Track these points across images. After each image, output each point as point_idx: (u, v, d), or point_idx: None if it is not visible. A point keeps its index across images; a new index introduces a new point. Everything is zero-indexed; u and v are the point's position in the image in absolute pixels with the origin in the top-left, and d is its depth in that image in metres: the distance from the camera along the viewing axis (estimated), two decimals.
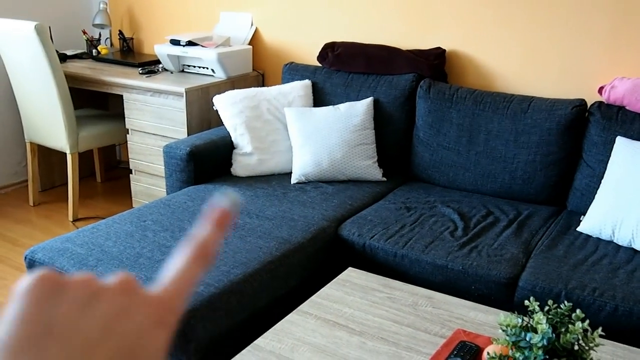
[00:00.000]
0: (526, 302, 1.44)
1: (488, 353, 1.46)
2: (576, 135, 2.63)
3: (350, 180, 2.85)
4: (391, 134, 2.97)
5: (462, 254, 2.21)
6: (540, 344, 1.33)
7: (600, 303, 1.94)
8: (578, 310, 1.39)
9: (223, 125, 2.94)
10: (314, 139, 2.80)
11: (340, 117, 2.84)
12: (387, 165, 3.00)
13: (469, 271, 2.14)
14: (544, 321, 1.35)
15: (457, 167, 2.82)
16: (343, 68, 3.11)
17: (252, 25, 3.52)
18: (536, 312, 1.39)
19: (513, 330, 1.40)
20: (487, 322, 1.75)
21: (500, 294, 2.10)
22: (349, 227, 2.42)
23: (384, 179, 2.91)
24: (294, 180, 2.79)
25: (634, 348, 1.66)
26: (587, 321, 1.37)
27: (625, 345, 1.67)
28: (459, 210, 2.56)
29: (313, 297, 1.84)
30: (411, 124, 2.97)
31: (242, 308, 1.96)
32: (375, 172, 2.87)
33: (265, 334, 1.67)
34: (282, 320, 1.72)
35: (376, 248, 2.30)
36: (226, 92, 2.94)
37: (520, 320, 1.40)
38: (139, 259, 1.97)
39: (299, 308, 1.79)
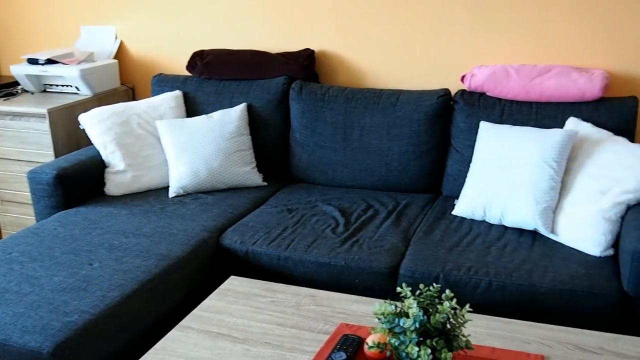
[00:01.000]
0: (398, 289, 1.51)
1: (367, 343, 1.52)
2: (444, 123, 2.77)
3: (230, 188, 2.86)
4: (268, 138, 3.01)
5: (344, 249, 2.28)
6: (412, 328, 1.41)
7: (476, 280, 2.06)
8: (447, 290, 1.47)
9: (92, 144, 2.87)
10: (189, 149, 2.78)
11: (214, 125, 2.84)
12: (267, 170, 3.03)
13: (352, 265, 2.21)
14: (415, 305, 1.42)
15: (335, 164, 2.90)
16: (213, 76, 3.11)
17: (116, 38, 3.44)
18: (407, 298, 1.46)
19: (387, 317, 1.46)
20: (369, 313, 1.81)
21: (383, 284, 2.18)
22: (230, 235, 2.43)
23: (265, 183, 2.94)
24: (171, 194, 2.76)
25: (507, 319, 1.78)
26: (455, 300, 1.45)
27: (498, 318, 1.78)
28: (340, 207, 2.63)
29: (194, 311, 1.84)
30: (287, 127, 3.02)
31: (123, 332, 1.92)
32: (255, 178, 2.89)
33: (145, 355, 1.65)
34: (162, 339, 1.71)
35: (259, 253, 2.33)
36: (92, 110, 2.86)
37: (393, 307, 1.47)
38: (4, 294, 1.89)
39: (180, 324, 1.78)
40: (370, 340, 1.56)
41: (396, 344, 1.43)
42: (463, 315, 1.45)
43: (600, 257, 2.13)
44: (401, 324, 1.43)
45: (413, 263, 2.16)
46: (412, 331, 1.41)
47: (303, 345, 1.67)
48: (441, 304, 1.45)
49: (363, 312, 1.82)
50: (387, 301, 1.50)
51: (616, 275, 2.03)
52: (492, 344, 1.66)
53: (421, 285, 1.51)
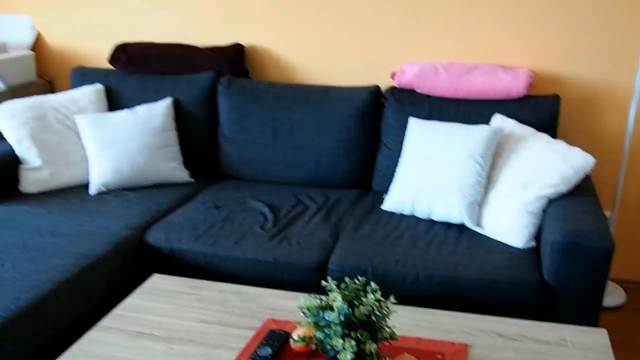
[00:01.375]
0: (323, 282, 1.50)
1: (292, 337, 1.51)
2: (374, 119, 2.80)
3: (155, 185, 2.80)
4: (195, 133, 2.96)
5: (272, 245, 2.26)
6: (337, 320, 1.40)
7: (404, 274, 2.08)
8: (372, 283, 1.48)
9: (5, 140, 2.75)
10: (112, 145, 2.71)
11: (138, 120, 2.77)
12: (195, 166, 2.99)
13: (280, 261, 2.19)
14: (339, 298, 1.42)
15: (264, 160, 2.88)
16: (138, 69, 3.04)
17: (32, 28, 3.32)
18: (332, 291, 1.46)
19: (312, 311, 1.46)
20: (296, 308, 1.80)
21: (312, 279, 2.18)
22: (155, 232, 2.37)
23: (192, 180, 2.89)
24: (92, 191, 2.68)
25: (432, 310, 1.80)
26: (379, 292, 1.46)
27: (423, 309, 1.80)
28: (269, 203, 2.61)
29: (115, 310, 1.78)
30: (215, 122, 2.98)
31: (39, 335, 1.84)
32: (181, 174, 2.84)
33: (60, 357, 1.59)
34: (80, 340, 1.65)
35: (184, 251, 2.29)
36: (4, 103, 2.74)
37: (318, 301, 1.47)
38: None
39: (99, 324, 1.72)
40: (295, 334, 1.55)
41: (321, 337, 1.43)
42: (388, 307, 1.46)
43: (523, 248, 2.19)
44: (326, 317, 1.43)
45: (342, 257, 2.16)
46: (336, 324, 1.41)
47: (228, 341, 1.64)
48: (366, 296, 1.45)
49: (290, 307, 1.81)
50: (312, 295, 1.50)
51: (537, 266, 2.09)
52: (418, 334, 1.68)
53: (347, 279, 1.51)
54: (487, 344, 1.63)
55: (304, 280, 2.19)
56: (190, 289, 1.90)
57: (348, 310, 1.41)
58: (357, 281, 1.49)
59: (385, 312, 1.45)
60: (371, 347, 1.39)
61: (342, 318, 1.41)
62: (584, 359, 1.57)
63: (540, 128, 2.53)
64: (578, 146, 2.46)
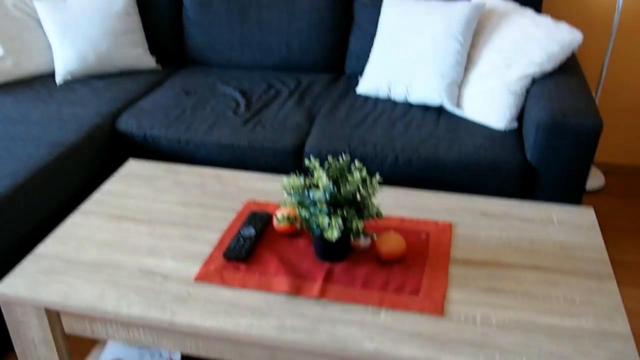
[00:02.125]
0: (306, 162, 1.51)
1: (276, 217, 1.53)
2: None
3: (122, 72, 2.73)
4: (159, 18, 2.86)
5: (246, 130, 2.25)
6: (323, 199, 1.42)
7: (382, 156, 2.10)
8: (356, 161, 1.49)
9: None
10: (74, 31, 2.61)
11: (99, 4, 2.66)
12: (161, 52, 2.91)
13: (256, 146, 2.19)
14: (325, 177, 1.43)
15: (233, 44, 2.81)
16: None
17: None
18: (316, 170, 1.47)
19: (297, 190, 1.47)
20: (276, 189, 1.82)
21: (289, 164, 2.19)
22: (126, 120, 2.34)
23: (159, 66, 2.83)
24: (59, 79, 2.60)
25: (415, 190, 1.83)
26: (365, 170, 1.48)
27: (406, 189, 1.84)
28: (240, 88, 2.58)
29: (94, 195, 1.78)
30: (179, 5, 2.87)
31: (17, 223, 1.84)
32: (147, 61, 2.77)
33: (46, 240, 1.59)
34: (62, 224, 1.65)
35: (158, 137, 2.26)
36: None
37: (302, 181, 1.48)
38: None
39: (79, 208, 1.72)
40: (279, 213, 1.57)
41: (307, 216, 1.45)
42: (373, 185, 1.48)
43: (504, 130, 2.22)
44: (311, 195, 1.45)
45: (318, 141, 2.17)
46: (322, 202, 1.43)
47: (210, 223, 1.66)
48: (351, 175, 1.47)
49: (270, 189, 1.82)
50: (295, 174, 1.51)
51: (519, 147, 2.12)
52: (401, 213, 1.72)
53: (329, 157, 1.52)
54: (472, 222, 1.68)
55: (281, 164, 2.20)
56: (167, 173, 1.90)
57: (333, 188, 1.43)
58: (340, 160, 1.50)
59: (370, 190, 1.47)
60: (358, 224, 1.42)
61: (327, 196, 1.43)
62: (570, 237, 1.63)
63: (524, 2, 2.50)
64: (564, 21, 2.44)
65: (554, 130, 1.98)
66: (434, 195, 1.80)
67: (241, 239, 1.57)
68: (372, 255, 1.54)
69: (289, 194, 1.48)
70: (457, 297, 1.41)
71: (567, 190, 2.05)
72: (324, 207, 1.42)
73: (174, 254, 1.54)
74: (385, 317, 1.35)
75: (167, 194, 1.79)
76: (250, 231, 1.59)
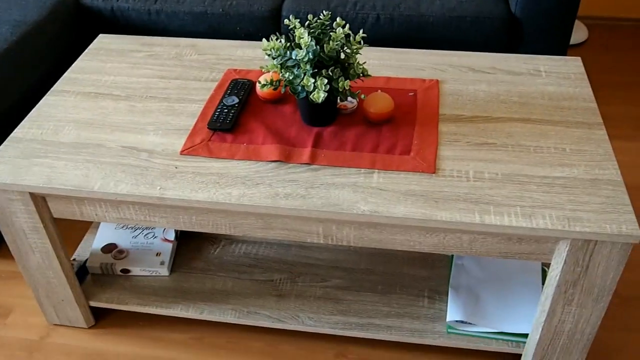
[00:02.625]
0: (286, 21, 1.43)
1: (259, 82, 1.47)
2: None
3: None
4: None
5: None
6: (306, 58, 1.36)
7: (363, 15, 2.01)
8: (338, 18, 1.41)
9: None
10: None
11: None
12: None
13: (231, 12, 2.08)
14: (306, 35, 1.36)
15: None
16: None
17: None
18: (297, 28, 1.39)
19: (278, 52, 1.40)
20: (256, 56, 1.74)
21: (266, 29, 2.09)
22: None
23: None
24: None
25: (399, 49, 1.76)
26: (348, 26, 1.40)
27: (390, 48, 1.77)
28: None
29: (66, 74, 1.69)
30: None
31: None
32: None
33: (21, 123, 1.53)
34: (36, 106, 1.58)
35: (126, 9, 2.14)
36: None
37: (283, 42, 1.40)
38: None
39: (52, 89, 1.64)
40: (262, 79, 1.51)
41: (290, 77, 1.39)
42: (358, 42, 1.41)
43: None
44: (293, 56, 1.38)
45: (296, 3, 2.06)
46: (305, 62, 1.36)
47: (191, 94, 1.59)
48: (334, 31, 1.39)
49: (250, 56, 1.74)
50: (275, 36, 1.43)
51: (504, 0, 2.05)
52: (386, 73, 1.66)
53: (310, 16, 1.43)
54: (459, 78, 1.63)
55: (258, 31, 2.10)
56: (141, 46, 1.80)
57: (316, 47, 1.36)
58: (321, 16, 1.42)
59: (355, 47, 1.41)
60: (344, 83, 1.37)
61: (311, 56, 1.36)
62: (559, 87, 1.59)
63: None
64: None
65: None
66: (419, 53, 1.73)
67: (225, 109, 1.51)
68: (360, 117, 1.50)
69: (270, 56, 1.41)
70: (448, 154, 1.39)
71: (552, 42, 2.00)
72: (308, 68, 1.36)
73: (157, 129, 1.48)
74: (378, 178, 1.33)
75: (142, 67, 1.71)
76: (233, 100, 1.53)
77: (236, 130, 1.47)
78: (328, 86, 1.35)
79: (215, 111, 1.50)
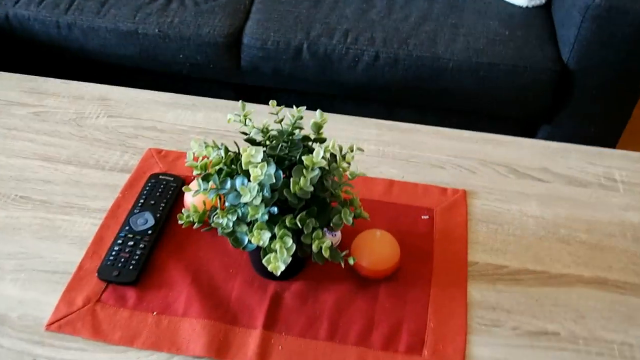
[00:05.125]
0: (229, 117, 0.82)
1: (189, 188, 0.86)
2: None
3: None
4: None
5: (156, 9, 1.49)
6: (258, 200, 0.76)
7: (356, 52, 1.40)
8: (318, 113, 0.81)
9: None
10: None
11: None
12: None
13: (170, 34, 1.45)
14: (259, 156, 0.75)
15: None
16: None
17: None
18: (244, 150, 0.79)
19: (210, 177, 0.80)
20: (196, 125, 1.13)
21: (221, 60, 1.47)
22: None
23: None
24: None
25: (404, 124, 1.16)
26: (333, 141, 0.80)
27: (390, 122, 1.16)
28: None
29: None
30: None
31: None
32: None
33: None
34: None
35: (26, 18, 1.49)
36: None
37: (221, 153, 0.80)
38: None
39: None
40: (194, 184, 0.90)
41: (229, 225, 0.79)
42: (347, 166, 0.81)
43: (527, 7, 1.50)
44: (236, 187, 0.78)
45: (262, 27, 1.44)
46: (257, 207, 0.77)
47: (85, 197, 0.98)
48: (306, 153, 0.79)
49: (186, 124, 1.13)
50: (201, 140, 0.82)
51: (551, 39, 1.43)
52: (387, 170, 1.06)
53: (264, 125, 0.83)
54: (496, 186, 1.04)
55: (208, 61, 1.48)
56: (27, 96, 1.18)
57: (278, 176, 0.76)
58: (289, 118, 0.81)
59: (343, 169, 0.81)
60: (322, 242, 0.78)
61: (267, 195, 0.76)
62: None
63: None
64: None
65: (607, 18, 1.28)
66: (436, 135, 1.14)
67: (130, 239, 0.91)
68: (345, 266, 0.91)
69: (199, 183, 0.80)
70: (484, 354, 0.81)
71: (611, 109, 1.40)
72: (261, 213, 0.76)
73: (18, 268, 0.88)
74: None
75: (21, 137, 1.09)
76: (146, 220, 0.93)
77: (144, 282, 0.88)
78: (294, 247, 0.76)
79: (115, 243, 0.90)
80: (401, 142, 1.11)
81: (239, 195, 0.77)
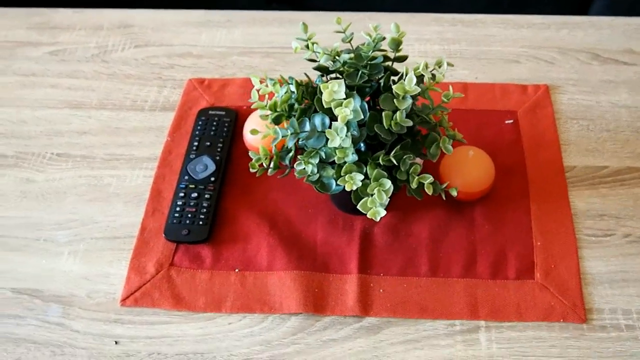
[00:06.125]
0: (294, 45, 0.68)
1: (250, 130, 0.75)
2: None
3: None
4: None
5: None
6: (347, 143, 0.64)
7: None
8: (392, 26, 0.67)
9: None
10: None
11: None
12: None
13: None
14: (342, 90, 0.63)
15: None
16: None
17: None
18: (322, 81, 0.66)
19: (282, 112, 0.68)
20: (235, 44, 0.99)
21: None
22: None
23: None
24: None
25: (466, 15, 1.02)
26: (423, 65, 0.67)
27: (452, 15, 1.01)
28: None
29: None
30: None
31: None
32: None
33: None
34: None
35: None
36: None
37: (294, 90, 0.67)
38: None
39: None
40: (253, 121, 0.78)
41: (313, 170, 0.68)
42: (438, 79, 0.68)
43: None
44: (316, 125, 0.66)
45: None
46: (346, 148, 0.65)
47: (128, 144, 0.86)
48: (398, 76, 0.66)
49: (226, 44, 0.99)
50: (264, 76, 0.69)
51: None
52: (457, 72, 0.93)
53: (344, 31, 0.69)
54: (581, 77, 0.91)
55: None
56: (36, 31, 1.02)
57: (364, 109, 0.64)
58: (366, 38, 0.68)
59: (437, 108, 0.69)
60: (425, 179, 0.66)
61: (354, 132, 0.64)
62: None
63: None
64: None
65: None
66: (506, 22, 0.99)
67: (191, 190, 0.80)
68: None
69: (272, 131, 0.69)
70: (599, 269, 0.73)
71: None
72: (350, 155, 0.65)
73: (72, 239, 0.77)
74: (488, 342, 0.67)
75: (40, 84, 0.95)
76: (206, 165, 0.82)
77: (218, 237, 0.78)
78: (392, 188, 0.65)
79: (176, 196, 0.79)
80: (467, 37, 0.97)
81: (321, 137, 0.66)
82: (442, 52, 0.95)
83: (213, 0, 1.34)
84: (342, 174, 0.65)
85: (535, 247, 0.75)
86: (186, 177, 0.81)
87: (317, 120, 0.66)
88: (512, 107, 0.88)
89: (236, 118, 0.88)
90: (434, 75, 0.67)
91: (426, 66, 0.66)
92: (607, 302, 0.70)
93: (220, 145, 0.84)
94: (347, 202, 0.75)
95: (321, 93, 0.63)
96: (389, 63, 0.69)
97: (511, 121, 0.86)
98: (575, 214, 0.77)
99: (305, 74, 0.70)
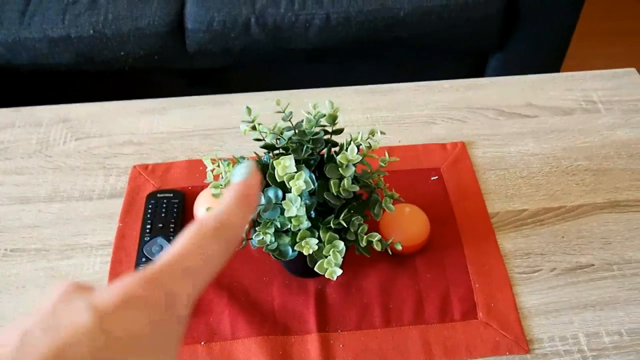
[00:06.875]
0: (241, 127, 0.73)
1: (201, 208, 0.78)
2: None
3: None
4: None
5: (84, 8, 1.33)
6: (302, 211, 0.69)
7: (306, 17, 1.31)
8: (328, 103, 0.73)
9: None
10: None
11: None
12: None
13: (107, 32, 1.30)
14: (292, 164, 0.68)
15: None
16: None
17: None
18: (274, 159, 0.71)
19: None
20: (173, 126, 1.03)
21: (166, 50, 1.34)
22: None
23: None
24: None
25: (384, 85, 1.11)
26: (375, 130, 0.74)
27: (369, 86, 1.09)
28: None
29: None
30: None
31: None
32: None
33: None
34: None
35: None
36: None
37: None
38: None
39: None
40: (204, 198, 0.81)
41: (272, 239, 0.72)
42: (375, 147, 0.75)
43: None
44: (271, 198, 0.70)
45: (204, 8, 1.31)
46: (300, 218, 0.70)
47: (83, 237, 0.88)
48: (339, 147, 0.72)
49: (162, 130, 1.03)
50: (214, 156, 0.74)
51: None
52: (383, 139, 1.00)
53: (285, 110, 0.75)
54: (490, 132, 1.01)
55: (153, 53, 1.35)
56: None
57: (313, 180, 0.69)
58: (306, 116, 0.74)
59: (377, 172, 0.75)
60: (373, 237, 0.72)
61: (307, 201, 0.69)
62: (632, 130, 1.02)
63: None
64: None
65: None
66: (418, 89, 1.09)
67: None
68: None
69: (217, 195, 0.73)
70: (532, 302, 0.80)
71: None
72: (305, 222, 0.70)
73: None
74: None
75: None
76: (161, 247, 0.84)
77: None
78: (344, 248, 0.70)
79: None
80: (386, 105, 1.05)
81: (276, 209, 0.70)
82: (365, 120, 1.03)
83: (135, 89, 1.38)
84: (297, 240, 0.70)
85: (474, 289, 0.81)
86: (143, 259, 0.83)
87: (271, 193, 0.70)
88: (435, 164, 0.96)
89: (184, 198, 0.91)
90: (370, 144, 0.74)
91: (362, 137, 0.72)
92: (545, 332, 0.76)
93: (173, 225, 0.87)
94: (298, 266, 0.79)
95: (273, 169, 0.68)
96: (328, 136, 0.75)
97: (436, 177, 0.94)
98: (505, 255, 0.85)
99: (255, 152, 0.75)
